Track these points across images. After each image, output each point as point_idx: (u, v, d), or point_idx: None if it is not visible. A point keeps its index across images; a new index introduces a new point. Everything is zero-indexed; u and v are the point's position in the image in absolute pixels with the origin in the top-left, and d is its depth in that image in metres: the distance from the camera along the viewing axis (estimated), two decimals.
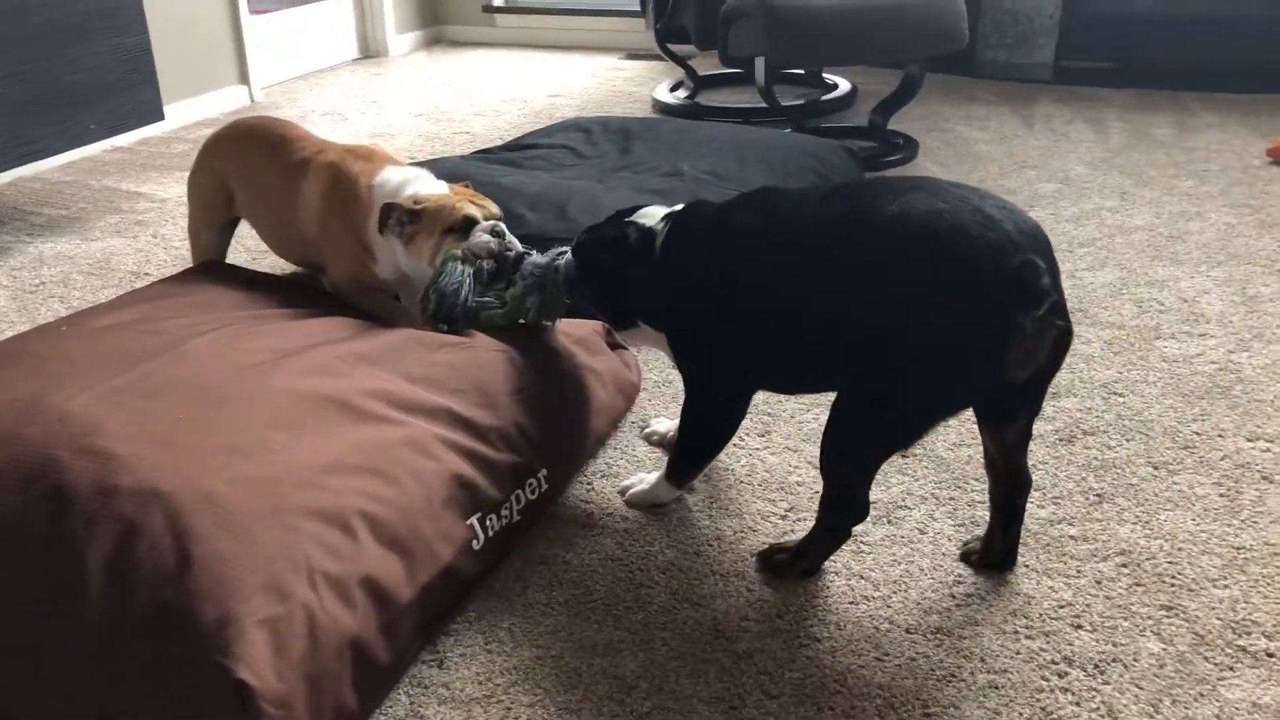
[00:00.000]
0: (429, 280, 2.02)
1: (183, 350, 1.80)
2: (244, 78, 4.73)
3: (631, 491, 1.90)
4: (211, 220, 2.53)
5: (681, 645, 1.57)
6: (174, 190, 3.59)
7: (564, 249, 1.91)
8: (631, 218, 1.80)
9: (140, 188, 3.65)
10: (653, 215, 1.79)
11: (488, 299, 1.98)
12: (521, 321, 1.97)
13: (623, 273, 1.79)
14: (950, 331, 1.43)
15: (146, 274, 2.91)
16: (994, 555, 1.70)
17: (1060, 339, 1.47)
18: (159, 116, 3.92)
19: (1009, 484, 1.67)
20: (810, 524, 1.73)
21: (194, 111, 4.46)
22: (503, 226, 2.09)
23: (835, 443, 1.59)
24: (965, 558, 1.72)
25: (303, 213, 2.29)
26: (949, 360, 1.45)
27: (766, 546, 1.75)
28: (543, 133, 3.36)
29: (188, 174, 2.55)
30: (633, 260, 1.77)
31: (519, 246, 2.04)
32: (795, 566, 1.70)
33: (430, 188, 2.19)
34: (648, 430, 2.11)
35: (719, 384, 1.77)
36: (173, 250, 3.07)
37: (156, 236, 3.19)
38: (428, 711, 1.46)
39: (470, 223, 2.09)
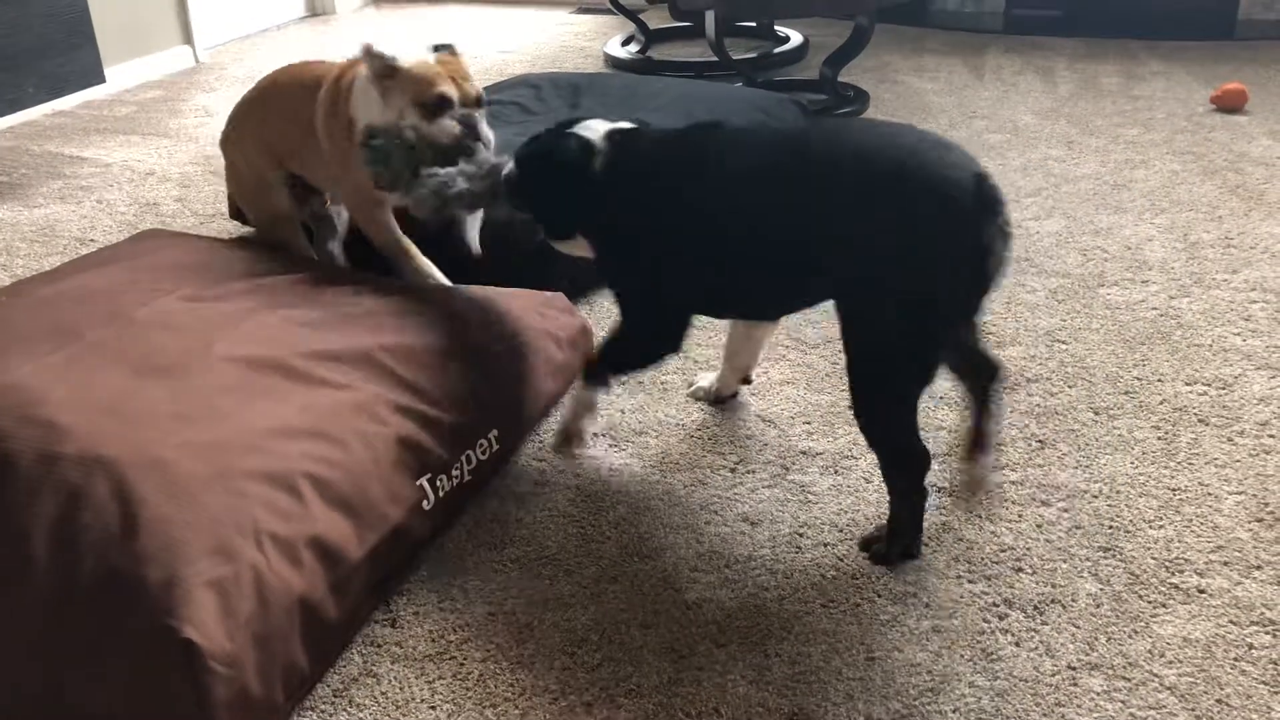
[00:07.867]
0: (379, 132, 1.96)
1: (128, 319, 1.79)
2: (188, 38, 4.63)
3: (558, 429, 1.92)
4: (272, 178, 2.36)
5: (632, 597, 1.59)
6: (118, 154, 3.53)
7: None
8: (573, 129, 1.78)
9: (83, 152, 3.58)
10: (594, 129, 1.77)
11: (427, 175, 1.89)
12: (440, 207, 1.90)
13: (561, 185, 1.77)
14: (939, 255, 1.47)
15: (91, 240, 2.87)
16: (984, 441, 1.70)
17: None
18: (100, 79, 3.85)
19: (981, 373, 1.68)
20: (759, 476, 1.76)
21: (137, 74, 4.37)
22: (477, 118, 1.99)
23: (864, 398, 1.58)
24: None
25: (319, 134, 2.20)
26: (943, 281, 1.49)
27: (861, 540, 1.69)
28: (492, 89, 3.33)
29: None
30: (572, 173, 1.74)
31: (490, 139, 1.97)
32: (894, 549, 1.64)
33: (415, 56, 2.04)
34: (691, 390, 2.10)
35: (652, 305, 1.76)
36: (118, 216, 3.03)
37: (101, 202, 3.15)
38: (380, 670, 1.48)
39: (443, 103, 1.97)
